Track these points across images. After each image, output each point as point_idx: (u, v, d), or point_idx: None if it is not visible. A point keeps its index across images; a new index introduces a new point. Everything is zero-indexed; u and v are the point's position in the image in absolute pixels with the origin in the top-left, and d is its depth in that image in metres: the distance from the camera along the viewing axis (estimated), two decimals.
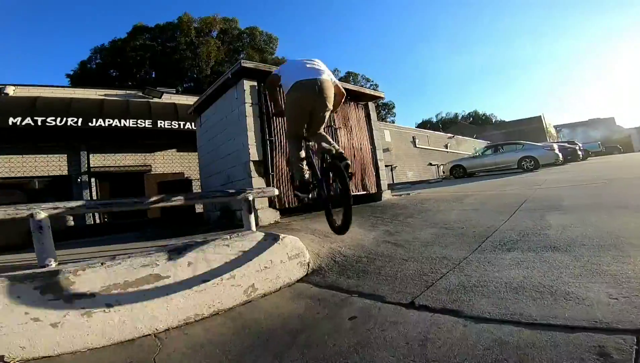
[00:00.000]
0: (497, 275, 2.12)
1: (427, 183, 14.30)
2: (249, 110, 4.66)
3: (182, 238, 3.95)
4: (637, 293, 1.54)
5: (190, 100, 10.36)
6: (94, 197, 8.28)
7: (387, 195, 6.73)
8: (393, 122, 48.19)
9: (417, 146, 19.03)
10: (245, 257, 2.52)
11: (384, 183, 6.78)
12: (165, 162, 9.36)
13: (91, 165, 8.62)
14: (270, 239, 2.78)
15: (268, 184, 4.63)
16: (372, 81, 47.57)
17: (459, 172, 14.31)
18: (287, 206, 4.81)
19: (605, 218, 3.08)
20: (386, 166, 16.47)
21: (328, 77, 2.59)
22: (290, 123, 2.53)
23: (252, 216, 3.09)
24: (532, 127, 39.66)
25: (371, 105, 7.03)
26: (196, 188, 7.95)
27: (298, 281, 2.72)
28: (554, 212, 3.68)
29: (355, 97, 6.66)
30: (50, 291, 1.79)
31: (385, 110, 48.16)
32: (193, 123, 7.32)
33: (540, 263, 2.17)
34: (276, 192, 3.61)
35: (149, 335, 1.90)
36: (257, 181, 4.55)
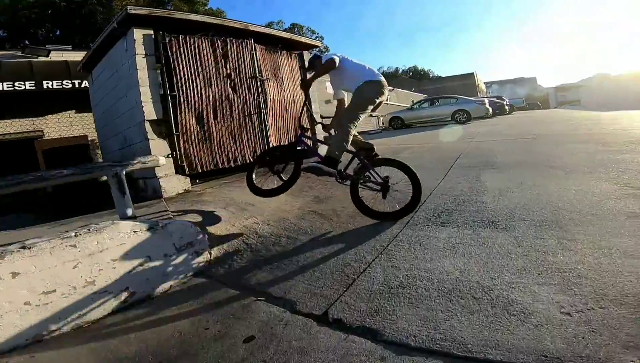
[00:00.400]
0: (428, 266, 1.73)
1: (367, 134, 14.17)
2: (141, 62, 3.63)
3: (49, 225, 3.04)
4: (593, 304, 1.21)
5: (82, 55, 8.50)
6: None
7: (323, 150, 6.22)
8: None
9: None
10: (105, 257, 1.83)
11: (320, 138, 6.24)
12: (61, 125, 7.69)
13: None
14: (144, 229, 2.06)
15: (173, 148, 3.77)
16: (317, 33, 46.01)
17: (397, 123, 14.49)
18: (200, 170, 4.03)
19: (540, 180, 2.91)
20: (328, 118, 15.96)
21: None
22: (359, 109, 2.73)
23: (127, 197, 2.31)
24: (465, 83, 41.62)
25: (307, 55, 6.20)
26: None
27: (195, 275, 2.15)
28: (489, 170, 3.50)
29: (289, 46, 5.76)
30: None
31: None
32: None
33: (479, 248, 1.82)
34: (161, 161, 2.81)
35: None
36: (157, 144, 3.65)
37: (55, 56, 8.18)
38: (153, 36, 3.77)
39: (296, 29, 44.22)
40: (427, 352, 1.16)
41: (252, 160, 4.55)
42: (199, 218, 2.83)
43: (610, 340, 1.04)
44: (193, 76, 3.95)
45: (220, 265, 2.22)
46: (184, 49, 3.92)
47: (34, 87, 7.04)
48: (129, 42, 3.73)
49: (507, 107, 18.08)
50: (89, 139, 7.57)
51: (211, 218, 2.88)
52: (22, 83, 6.98)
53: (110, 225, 1.91)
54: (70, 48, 9.56)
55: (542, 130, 6.74)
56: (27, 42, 8.23)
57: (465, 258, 1.74)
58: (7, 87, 6.84)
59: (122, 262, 1.87)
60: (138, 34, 3.66)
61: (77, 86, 7.39)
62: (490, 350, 1.10)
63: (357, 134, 2.95)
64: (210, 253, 2.32)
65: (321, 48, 8.59)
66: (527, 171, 3.29)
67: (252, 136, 4.57)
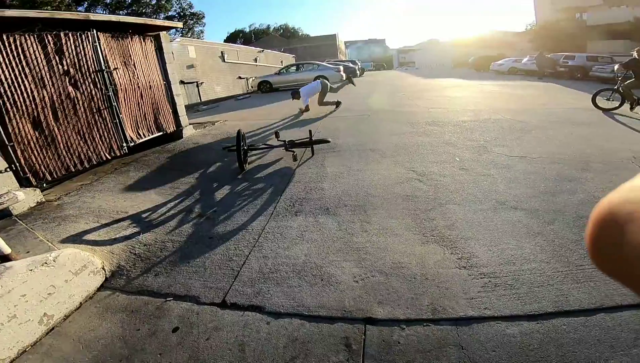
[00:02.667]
0: (287, 253, 2.47)
1: (235, 99, 14.13)
2: None
3: None
4: (371, 273, 2.15)
5: None
6: None
7: (189, 131, 6.26)
8: (202, 32, 42.93)
9: (226, 60, 17.73)
10: (16, 295, 1.96)
11: (184, 119, 6.21)
12: None
13: None
14: (39, 265, 2.15)
15: (9, 161, 3.30)
16: None
17: (265, 87, 15.02)
18: (49, 177, 3.68)
19: (362, 165, 3.97)
20: (191, 82, 14.86)
21: None
22: None
23: None
24: (328, 43, 44.43)
25: (164, 36, 5.79)
26: None
27: (98, 289, 2.35)
28: (332, 154, 4.43)
29: (141, 30, 5.27)
30: None
31: (194, 19, 41.74)
32: None
33: (317, 234, 2.66)
34: (20, 196, 2.62)
35: None
36: None
37: None
38: None
39: None
40: (290, 315, 1.89)
41: (107, 157, 4.35)
42: (79, 236, 2.86)
43: (374, 299, 1.98)
44: (19, 79, 3.38)
45: (118, 277, 2.44)
46: (2, 49, 3.27)
47: None
48: None
49: (358, 71, 20.63)
50: None
51: (90, 234, 2.93)
52: None
53: (5, 271, 1.96)
54: None
55: (376, 105, 8.37)
56: None
57: (308, 243, 2.56)
58: None
59: (32, 295, 2.00)
60: None
61: None
62: (321, 310, 1.90)
63: None
64: (104, 269, 2.51)
65: (180, 27, 7.90)
66: (357, 154, 4.35)
67: (105, 133, 4.31)
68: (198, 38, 40.29)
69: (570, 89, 11.17)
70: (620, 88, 6.51)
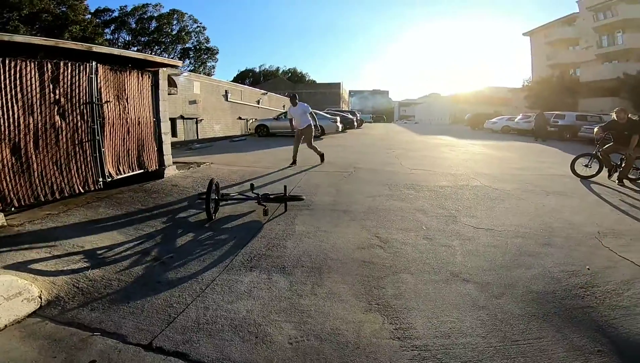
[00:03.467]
0: (229, 307, 2.42)
1: (230, 140, 14.50)
2: None
3: None
4: (307, 337, 2.09)
5: None
6: None
7: (171, 171, 6.33)
8: (214, 67, 45.91)
9: (229, 100, 18.60)
10: None
11: (168, 158, 6.32)
12: None
13: None
14: None
15: None
16: (199, 23, 44.07)
17: (262, 131, 15.52)
18: (17, 204, 3.69)
19: (330, 227, 3.95)
20: (191, 118, 15.41)
21: None
22: None
23: None
24: (333, 91, 47.19)
25: (163, 73, 6.16)
26: None
27: (29, 315, 2.30)
28: (305, 211, 4.45)
29: (141, 65, 5.62)
30: None
31: (208, 54, 44.86)
32: None
33: (266, 291, 2.61)
34: None
35: None
36: None
37: None
38: None
39: (176, 15, 40.82)
40: None
41: (81, 190, 4.39)
42: (25, 263, 2.83)
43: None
44: (9, 104, 3.53)
45: (53, 307, 2.41)
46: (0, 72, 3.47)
47: None
48: None
49: (355, 123, 21.51)
50: None
51: (38, 263, 2.91)
52: None
53: None
54: None
55: (362, 162, 8.62)
56: None
57: (254, 300, 2.51)
58: None
59: None
60: None
61: None
62: None
63: None
64: (40, 297, 2.45)
65: (179, 66, 8.48)
66: (329, 214, 4.36)
67: (82, 165, 4.39)
68: (209, 73, 42.67)
69: (556, 151, 11.63)
70: (598, 153, 6.40)
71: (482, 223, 4.14)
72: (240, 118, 19.54)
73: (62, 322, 2.24)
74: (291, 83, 50.85)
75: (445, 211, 4.58)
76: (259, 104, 22.90)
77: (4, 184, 3.55)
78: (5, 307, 2.23)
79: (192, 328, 2.18)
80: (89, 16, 33.09)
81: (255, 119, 18.06)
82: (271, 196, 4.43)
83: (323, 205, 4.82)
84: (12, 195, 3.62)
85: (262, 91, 24.84)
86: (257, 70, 64.87)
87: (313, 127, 7.77)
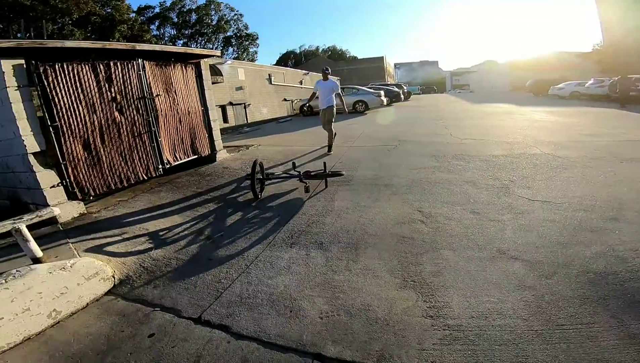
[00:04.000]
0: (269, 282, 2.59)
1: (276, 122, 14.82)
2: (14, 95, 3.58)
3: None
4: (337, 312, 2.17)
5: None
6: None
7: (222, 155, 6.72)
8: (256, 53, 46.87)
9: (273, 83, 18.91)
10: (33, 291, 2.37)
11: (218, 143, 6.69)
12: None
13: None
14: (57, 269, 2.56)
15: (62, 176, 3.92)
16: (236, 11, 44.89)
17: (307, 110, 15.47)
18: (93, 193, 4.25)
19: (370, 202, 3.94)
20: (239, 104, 16.02)
21: None
22: None
23: (31, 244, 2.67)
24: (375, 65, 45.30)
25: (204, 63, 6.45)
26: None
27: (105, 294, 2.70)
28: (344, 187, 4.48)
29: (183, 58, 5.95)
30: None
31: (249, 40, 45.85)
32: None
33: (303, 267, 2.74)
34: (56, 211, 3.09)
35: None
36: (45, 175, 3.77)
37: None
38: (25, 66, 3.69)
39: (212, 5, 41.81)
40: (251, 338, 2.02)
41: (144, 177, 4.88)
42: (102, 245, 3.30)
43: (330, 337, 2.02)
44: (75, 104, 4.01)
45: (124, 285, 2.78)
46: (61, 77, 3.91)
47: None
48: None
49: (402, 96, 20.53)
50: None
51: (112, 245, 3.35)
52: None
53: (30, 272, 2.40)
54: None
55: (408, 134, 8.28)
56: None
57: (292, 275, 2.65)
58: None
59: (47, 293, 2.40)
60: (7, 65, 3.55)
61: None
62: (279, 338, 1.99)
63: None
64: (114, 277, 2.85)
65: (217, 57, 8.76)
66: (369, 189, 4.35)
67: (143, 155, 4.86)
68: (252, 59, 43.56)
69: (637, 116, 10.01)
70: None
71: (538, 194, 3.78)
72: (285, 100, 19.82)
73: (130, 298, 2.59)
74: (332, 61, 49.85)
75: (498, 183, 4.25)
76: (301, 84, 22.93)
77: (81, 177, 4.11)
78: (87, 286, 2.63)
79: (236, 302, 2.39)
80: (133, 15, 35.23)
81: (300, 99, 18.20)
82: (312, 173, 4.51)
83: (364, 180, 4.78)
84: (88, 186, 4.18)
85: (304, 72, 24.73)
86: (298, 51, 64.82)
87: (334, 108, 6.70)
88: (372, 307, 2.18)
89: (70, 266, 2.65)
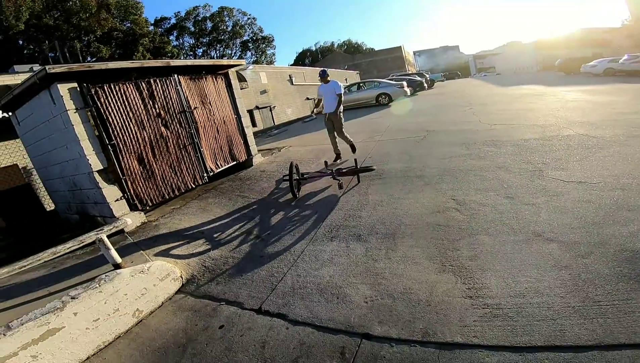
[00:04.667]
0: (315, 273, 2.87)
1: (302, 121, 15.12)
2: (74, 117, 4.08)
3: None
4: (380, 296, 2.40)
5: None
6: None
7: (258, 159, 7.09)
8: (273, 54, 47.75)
9: (295, 83, 19.27)
10: (120, 294, 2.79)
11: (253, 148, 7.07)
12: None
13: None
14: (138, 272, 2.98)
15: (123, 190, 4.42)
16: (249, 15, 46.05)
17: None
18: (150, 204, 4.75)
19: (403, 193, 4.11)
20: (265, 107, 16.55)
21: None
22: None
23: (112, 252, 3.12)
24: (394, 56, 44.61)
25: (232, 73, 6.83)
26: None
27: (176, 293, 3.13)
28: (377, 181, 4.67)
29: (212, 70, 6.36)
30: None
31: (265, 43, 46.75)
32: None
33: (345, 258, 3.00)
34: (129, 222, 3.54)
35: None
36: (109, 190, 4.29)
37: None
38: (78, 89, 4.16)
39: (225, 11, 42.93)
40: (305, 324, 2.31)
41: (192, 186, 5.33)
42: (167, 249, 3.73)
43: (376, 318, 2.26)
44: (126, 122, 4.47)
45: (190, 284, 3.18)
46: (112, 97, 4.37)
47: None
48: (56, 96, 4.09)
49: (425, 85, 20.17)
50: (21, 167, 7.46)
51: (175, 249, 3.78)
52: None
53: (117, 276, 2.83)
54: None
55: (435, 123, 8.27)
56: None
57: (335, 266, 2.91)
58: None
59: (130, 294, 2.83)
60: (63, 89, 4.03)
61: None
62: (329, 322, 2.26)
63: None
64: (182, 277, 3.27)
65: (243, 66, 9.15)
66: (401, 181, 4.51)
67: (189, 165, 5.31)
68: (270, 61, 44.29)
69: None
70: None
71: (573, 175, 3.79)
72: (307, 98, 20.15)
73: (198, 295, 2.97)
74: (349, 55, 49.60)
75: (531, 166, 4.28)
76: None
77: (139, 190, 4.60)
78: (161, 287, 3.05)
79: (289, 293, 2.69)
80: (152, 27, 36.83)
81: None
82: (344, 170, 4.75)
83: (395, 172, 4.94)
84: (146, 197, 4.67)
85: (322, 69, 25.03)
86: (314, 48, 65.14)
87: (340, 112, 6.03)
88: (413, 290, 2.40)
89: (147, 269, 3.06)
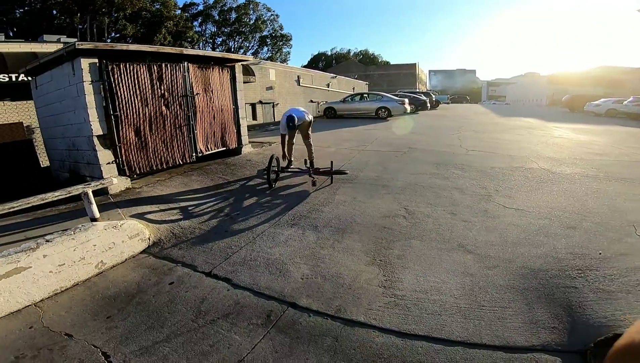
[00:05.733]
0: (268, 251, 3.30)
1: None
2: (88, 88, 4.54)
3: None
4: (315, 276, 2.84)
5: (24, 47, 8.87)
6: None
7: (247, 149, 7.53)
8: (289, 53, 48.33)
9: (301, 84, 19.75)
10: (90, 244, 3.14)
11: (245, 138, 7.51)
12: None
13: None
14: (111, 227, 3.36)
15: (115, 156, 4.85)
16: (272, 11, 46.97)
17: (330, 113, 16.12)
18: (138, 172, 5.17)
19: (366, 198, 4.57)
20: (268, 103, 16.99)
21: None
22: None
23: (94, 206, 3.52)
24: (407, 72, 45.22)
25: (238, 67, 7.27)
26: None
27: (141, 252, 3.51)
28: (347, 185, 5.11)
29: (221, 62, 6.80)
30: None
31: (283, 41, 47.37)
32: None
33: (298, 242, 3.43)
34: (114, 182, 3.96)
35: (30, 305, 2.64)
36: (103, 154, 4.71)
37: None
38: (98, 64, 4.64)
39: (251, 5, 43.63)
40: (244, 288, 2.71)
41: (180, 162, 5.75)
42: (142, 213, 4.14)
43: (305, 293, 2.68)
44: (132, 98, 4.94)
45: (155, 246, 3.58)
46: (124, 75, 4.85)
47: None
48: (77, 68, 4.54)
49: (428, 105, 20.65)
50: (25, 125, 7.90)
51: (150, 214, 4.19)
52: None
53: (92, 227, 3.18)
54: (3, 38, 9.55)
55: (420, 142, 8.72)
56: None
57: (287, 247, 3.34)
58: None
59: (99, 246, 3.17)
60: (85, 63, 4.51)
61: (13, 79, 7.69)
62: (266, 290, 2.67)
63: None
64: (149, 239, 3.67)
65: (252, 60, 9.60)
66: (368, 188, 4.94)
67: (181, 144, 5.74)
68: (285, 60, 44.80)
69: None
70: None
71: (515, 203, 4.22)
72: (311, 101, 20.62)
73: (160, 256, 3.36)
74: (362, 65, 50.29)
75: (484, 191, 4.71)
76: (328, 87, 23.69)
77: (131, 158, 5.02)
78: (128, 244, 3.43)
79: (239, 263, 3.11)
80: (179, 11, 37.37)
81: (326, 101, 18.88)
82: (320, 170, 5.17)
83: (366, 180, 5.38)
84: (135, 165, 5.10)
85: (331, 75, 25.52)
86: (329, 53, 65.89)
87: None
88: (342, 275, 2.82)
89: (120, 226, 3.46)
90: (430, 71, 67.31)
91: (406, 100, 15.57)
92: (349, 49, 66.31)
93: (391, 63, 54.54)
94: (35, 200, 3.32)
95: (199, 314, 2.45)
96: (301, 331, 2.22)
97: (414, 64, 46.78)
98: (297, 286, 2.72)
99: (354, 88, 27.46)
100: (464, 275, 2.76)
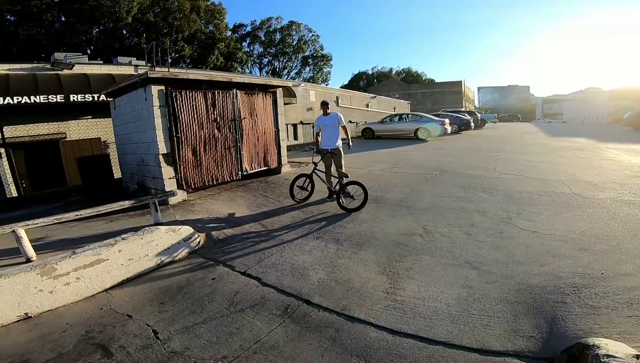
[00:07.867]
0: (294, 258, 3.86)
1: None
2: (157, 111, 5.58)
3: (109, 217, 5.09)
4: (330, 280, 3.33)
5: (103, 69, 10.49)
6: (8, 167, 8.50)
7: (286, 168, 8.29)
8: (329, 73, 49.95)
9: (340, 105, 20.56)
10: (154, 243, 3.94)
11: (284, 158, 8.29)
12: (81, 129, 9.56)
13: (5, 136, 8.55)
14: (170, 231, 4.18)
15: (176, 171, 5.82)
16: (314, 32, 49.31)
17: (368, 134, 16.56)
18: (193, 186, 6.10)
19: (388, 217, 4.97)
20: (309, 123, 17.95)
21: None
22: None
23: (158, 213, 4.39)
24: (452, 90, 44.25)
25: (279, 92, 8.15)
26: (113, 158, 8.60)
27: (192, 253, 4.27)
28: (374, 204, 5.55)
29: (264, 88, 7.73)
30: (45, 275, 3.11)
31: (323, 61, 49.13)
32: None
33: (320, 251, 3.95)
34: (177, 193, 4.85)
35: (102, 292, 3.37)
36: (166, 170, 5.70)
37: (77, 68, 10.01)
38: (164, 91, 5.67)
39: (293, 26, 46.06)
40: (271, 286, 3.29)
41: (228, 179, 6.62)
42: (195, 221, 4.95)
43: (319, 293, 3.19)
44: (190, 121, 5.92)
45: (204, 248, 4.31)
46: (185, 101, 5.85)
47: (63, 100, 8.92)
48: (148, 94, 5.62)
49: (472, 124, 20.22)
50: (102, 140, 9.46)
51: (202, 223, 5.00)
52: (55, 96, 8.85)
53: (156, 230, 4.01)
54: (87, 60, 11.49)
55: (453, 164, 8.85)
56: (55, 57, 10.07)
57: (310, 256, 3.87)
58: (43, 99, 8.71)
59: (160, 245, 3.96)
60: (154, 89, 5.56)
61: (95, 99, 9.29)
62: (287, 288, 3.22)
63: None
64: (199, 242, 4.43)
65: (294, 83, 10.49)
66: (392, 208, 5.33)
67: (229, 163, 6.63)
68: (325, 79, 46.13)
69: None
70: None
71: (533, 226, 4.33)
72: (350, 121, 21.29)
73: (206, 257, 4.08)
74: (405, 84, 50.14)
75: (505, 214, 4.85)
76: (367, 107, 24.20)
77: (188, 174, 5.97)
78: (184, 245, 4.22)
79: (269, 266, 3.70)
80: (230, 33, 40.23)
81: (365, 122, 19.44)
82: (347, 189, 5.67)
83: (391, 201, 5.75)
84: (191, 180, 6.03)
85: (371, 95, 26.06)
86: (370, 72, 66.44)
87: (341, 148, 6.03)
88: (353, 281, 3.28)
89: (177, 230, 4.27)
90: (479, 88, 64.96)
91: (447, 120, 15.59)
92: (391, 68, 66.49)
93: (435, 81, 53.76)
94: (116, 205, 4.25)
95: (231, 304, 3.05)
96: (310, 322, 2.71)
97: (460, 82, 45.76)
98: (313, 287, 3.23)
99: (394, 108, 27.73)
100: (462, 287, 3.07)
